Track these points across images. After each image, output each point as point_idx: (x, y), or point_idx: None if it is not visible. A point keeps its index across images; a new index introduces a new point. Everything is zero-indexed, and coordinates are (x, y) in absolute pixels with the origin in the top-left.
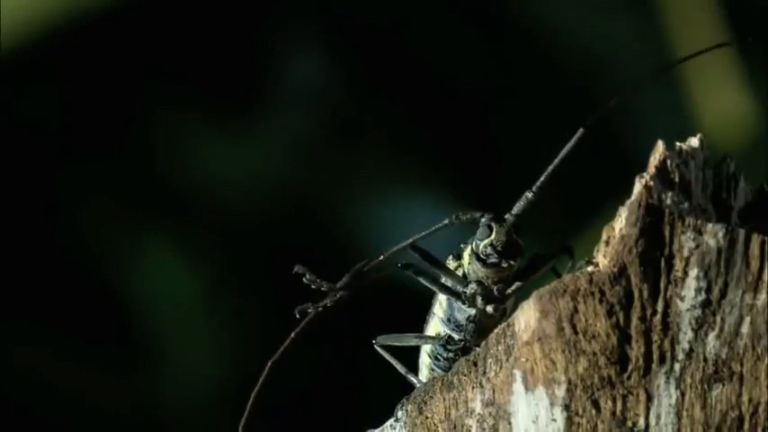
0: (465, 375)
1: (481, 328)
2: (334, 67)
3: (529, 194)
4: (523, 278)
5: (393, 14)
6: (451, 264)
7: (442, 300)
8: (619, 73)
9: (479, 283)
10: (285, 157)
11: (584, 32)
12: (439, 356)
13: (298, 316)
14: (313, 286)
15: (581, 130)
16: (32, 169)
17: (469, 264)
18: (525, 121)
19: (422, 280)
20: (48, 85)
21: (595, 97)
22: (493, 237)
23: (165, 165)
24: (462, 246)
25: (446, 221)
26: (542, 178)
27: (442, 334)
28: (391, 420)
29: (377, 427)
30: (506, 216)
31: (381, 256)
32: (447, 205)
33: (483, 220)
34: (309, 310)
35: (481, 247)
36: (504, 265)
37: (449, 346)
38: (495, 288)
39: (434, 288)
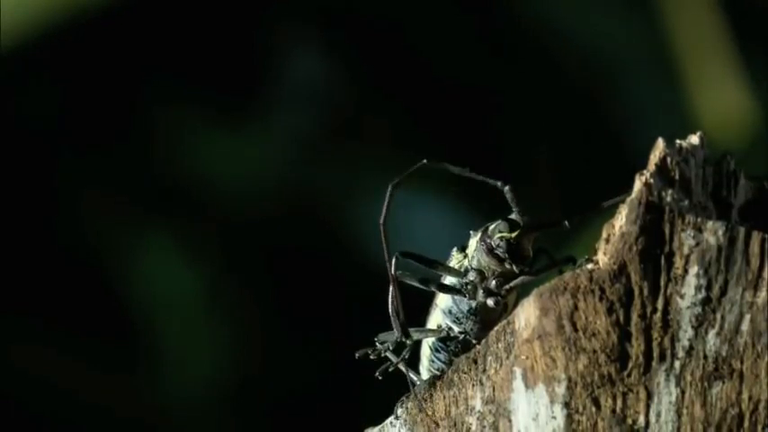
0: (465, 373)
1: (482, 322)
2: (335, 66)
3: (567, 224)
4: (525, 275)
5: (393, 13)
6: (455, 256)
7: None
8: (619, 73)
9: (480, 272)
10: (285, 156)
11: (584, 32)
12: (440, 349)
13: (380, 377)
14: (383, 354)
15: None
16: (33, 167)
17: (475, 250)
18: (526, 120)
19: (420, 286)
20: (48, 82)
21: (595, 97)
22: (513, 235)
23: (166, 163)
24: (472, 233)
25: (499, 183)
26: (584, 215)
27: (443, 326)
28: (391, 418)
29: (377, 425)
30: (534, 225)
31: (391, 281)
32: (447, 204)
33: (513, 216)
34: (391, 369)
35: (496, 236)
36: (507, 265)
37: (449, 340)
38: (494, 281)
39: (434, 290)
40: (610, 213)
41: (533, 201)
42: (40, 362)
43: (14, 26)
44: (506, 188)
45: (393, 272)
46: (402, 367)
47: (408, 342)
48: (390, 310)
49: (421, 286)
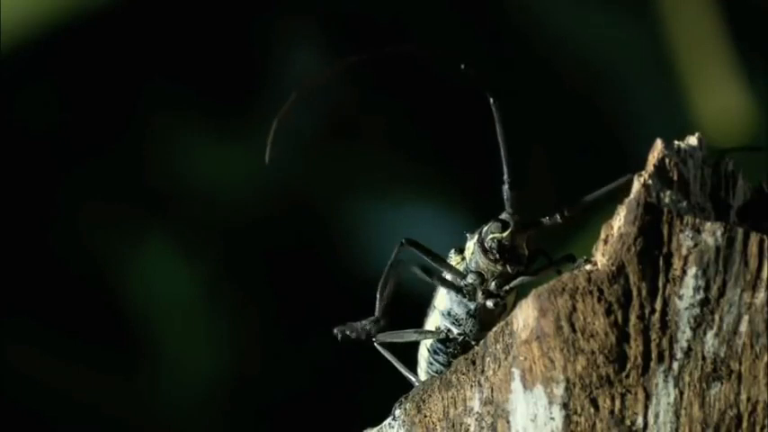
0: (463, 374)
1: (481, 323)
2: (334, 67)
3: (558, 217)
4: (524, 275)
5: (393, 13)
6: (453, 258)
7: (442, 293)
8: (618, 73)
9: (479, 274)
10: (284, 157)
11: (584, 32)
12: (438, 351)
13: (339, 337)
14: (363, 336)
15: (628, 176)
16: (30, 170)
17: (473, 253)
18: (525, 121)
19: (422, 275)
20: (45, 86)
21: (594, 98)
22: (504, 235)
23: (164, 164)
24: (468, 235)
25: (505, 176)
26: (577, 206)
27: (442, 328)
28: (389, 419)
29: (375, 426)
30: (526, 222)
31: (390, 264)
32: (446, 204)
33: (503, 214)
34: (353, 335)
35: (488, 239)
36: (500, 266)
37: (448, 342)
38: (494, 282)
39: (435, 282)
40: (608, 213)
41: (531, 202)
42: (40, 364)
43: (14, 27)
44: (505, 186)
45: (396, 252)
46: (398, 365)
47: (382, 321)
48: (379, 287)
49: (422, 275)
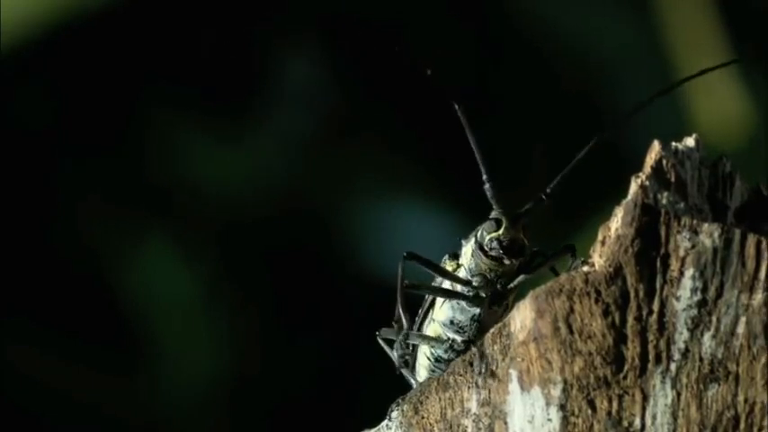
0: (461, 375)
1: (484, 326)
2: (333, 68)
3: (544, 198)
4: (526, 272)
5: (393, 15)
6: (448, 264)
7: (439, 303)
8: (618, 74)
9: (482, 276)
10: (283, 158)
11: (581, 32)
12: (440, 358)
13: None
14: (405, 350)
15: (596, 138)
16: (30, 169)
17: (472, 256)
18: (521, 121)
19: (428, 293)
20: (45, 85)
21: (594, 98)
22: (501, 232)
23: (164, 164)
24: (463, 241)
25: (487, 186)
26: (556, 181)
27: (444, 338)
28: (385, 420)
29: (374, 427)
30: (517, 214)
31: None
32: (444, 207)
33: (493, 213)
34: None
35: (486, 240)
36: (507, 262)
37: (451, 350)
38: (499, 283)
39: (441, 296)
40: (606, 215)
41: (529, 202)
42: (40, 364)
43: (14, 27)
44: (487, 185)
45: (401, 271)
46: (403, 370)
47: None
48: (399, 304)
49: (431, 293)
